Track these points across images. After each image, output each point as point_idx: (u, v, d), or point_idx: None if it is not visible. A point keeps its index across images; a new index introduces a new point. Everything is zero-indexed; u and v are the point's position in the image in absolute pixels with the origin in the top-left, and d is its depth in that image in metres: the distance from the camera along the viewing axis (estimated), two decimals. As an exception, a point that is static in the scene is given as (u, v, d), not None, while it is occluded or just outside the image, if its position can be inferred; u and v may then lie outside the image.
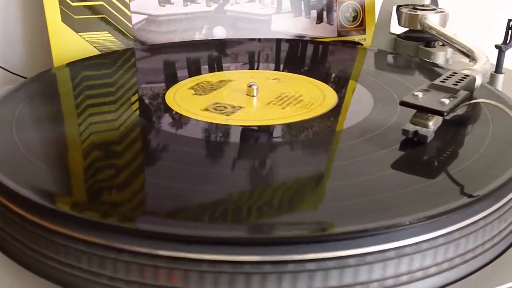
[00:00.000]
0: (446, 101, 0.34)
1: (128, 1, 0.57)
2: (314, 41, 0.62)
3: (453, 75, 0.39)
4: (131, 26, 0.58)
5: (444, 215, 0.27)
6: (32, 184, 0.30)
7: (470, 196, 0.29)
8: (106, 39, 0.57)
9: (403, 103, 0.35)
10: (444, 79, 0.38)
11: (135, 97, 0.45)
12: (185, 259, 0.25)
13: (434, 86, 0.37)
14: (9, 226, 0.30)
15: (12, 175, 0.31)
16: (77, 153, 0.35)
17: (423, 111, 0.34)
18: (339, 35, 0.66)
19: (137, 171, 0.33)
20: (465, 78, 0.38)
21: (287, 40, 0.61)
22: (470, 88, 0.38)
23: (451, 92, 0.36)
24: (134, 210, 0.29)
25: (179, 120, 0.39)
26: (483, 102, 0.37)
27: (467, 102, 0.36)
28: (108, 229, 0.27)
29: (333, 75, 0.51)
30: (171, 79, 0.48)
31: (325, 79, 0.48)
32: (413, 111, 0.35)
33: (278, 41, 0.60)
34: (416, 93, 0.35)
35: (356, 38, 0.67)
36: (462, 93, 0.36)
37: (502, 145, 0.35)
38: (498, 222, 0.30)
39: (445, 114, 0.34)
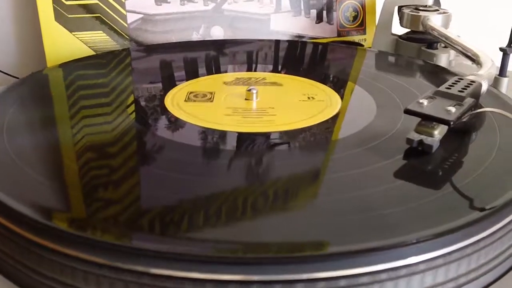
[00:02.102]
0: (453, 109, 0.33)
1: (123, 0, 0.56)
2: (314, 42, 0.61)
3: (459, 81, 0.37)
4: (126, 25, 0.56)
5: (451, 232, 0.26)
6: (24, 196, 0.29)
7: (479, 210, 0.28)
8: (101, 39, 0.56)
9: (408, 111, 0.34)
10: (450, 85, 0.37)
11: (130, 96, 0.43)
12: (187, 279, 0.24)
13: (439, 93, 0.35)
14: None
15: (4, 186, 0.29)
16: (72, 162, 0.34)
17: (428, 120, 0.33)
18: (339, 35, 0.65)
19: (136, 182, 0.31)
20: (471, 84, 0.37)
21: (287, 41, 0.60)
22: (476, 94, 0.37)
23: (457, 99, 0.35)
24: (131, 226, 0.27)
25: (178, 125, 0.38)
26: (491, 111, 0.35)
27: (475, 111, 0.35)
28: (106, 247, 0.25)
29: (336, 78, 0.50)
30: (168, 81, 0.47)
31: (328, 82, 0.47)
32: (417, 118, 0.34)
33: (277, 41, 0.59)
34: (421, 101, 0.34)
35: (356, 38, 0.66)
36: (469, 101, 0.35)
37: (509, 155, 0.34)
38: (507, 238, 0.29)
39: (452, 123, 0.32)
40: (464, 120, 0.35)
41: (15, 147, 0.34)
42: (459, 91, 0.36)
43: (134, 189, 0.31)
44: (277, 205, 0.29)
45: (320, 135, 0.37)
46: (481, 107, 0.38)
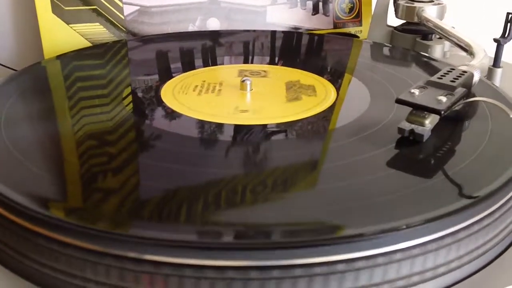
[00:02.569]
0: (444, 99, 0.34)
1: (120, -8, 0.56)
2: (310, 33, 0.61)
3: (451, 71, 0.38)
4: (123, 17, 0.57)
5: (441, 218, 0.27)
6: (21, 186, 0.29)
7: (468, 198, 0.28)
8: (98, 31, 0.56)
9: (400, 101, 0.34)
10: (442, 75, 0.37)
11: (127, 87, 0.44)
12: (184, 265, 0.25)
13: (431, 83, 0.36)
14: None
15: (1, 177, 0.30)
16: (69, 154, 0.35)
17: (419, 109, 0.34)
18: (335, 26, 0.66)
19: (134, 172, 0.32)
20: (463, 74, 0.38)
21: (283, 32, 0.60)
22: (468, 84, 0.38)
23: (449, 89, 0.35)
24: (128, 214, 0.28)
25: (174, 116, 0.39)
26: (482, 101, 0.36)
27: (466, 100, 0.35)
28: (104, 235, 0.26)
29: (332, 69, 0.50)
30: (165, 72, 0.47)
31: (324, 73, 0.47)
32: (410, 108, 0.34)
33: (273, 33, 0.59)
34: (412, 91, 0.35)
35: (352, 30, 0.66)
36: (460, 90, 0.35)
37: (501, 143, 0.34)
38: (499, 223, 0.29)
39: (443, 113, 0.33)
40: (457, 109, 0.35)
41: (13, 138, 0.35)
42: (451, 81, 0.36)
43: (132, 178, 0.31)
44: (275, 193, 0.30)
45: (316, 127, 0.38)
46: (474, 96, 0.39)
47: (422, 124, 0.34)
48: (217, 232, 0.26)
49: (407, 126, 0.34)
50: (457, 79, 0.37)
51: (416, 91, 0.35)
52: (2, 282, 0.28)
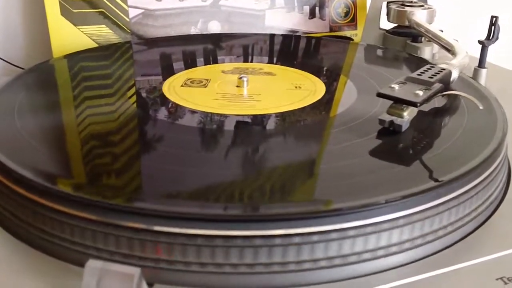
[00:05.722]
0: (420, 92, 0.36)
1: (125, -4, 0.60)
2: (306, 36, 0.64)
3: (430, 69, 0.41)
4: (128, 20, 0.60)
5: (411, 196, 0.30)
6: (32, 165, 0.33)
7: (435, 181, 0.31)
8: (104, 33, 0.59)
9: (380, 95, 0.37)
10: (421, 72, 0.40)
11: (130, 83, 0.47)
12: (177, 234, 0.28)
13: (410, 78, 0.39)
14: (10, 204, 0.32)
15: (15, 157, 0.33)
16: (74, 137, 0.38)
17: (398, 102, 0.36)
18: (331, 30, 0.68)
19: (131, 155, 0.35)
20: (441, 71, 0.40)
21: (281, 35, 0.63)
22: (446, 81, 0.40)
23: (426, 84, 0.38)
24: (123, 188, 0.31)
25: (169, 106, 0.42)
26: (455, 94, 0.39)
27: (440, 94, 0.38)
28: (103, 206, 0.29)
29: (324, 68, 0.53)
30: (167, 71, 0.50)
31: (316, 72, 0.50)
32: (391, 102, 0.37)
33: (272, 35, 0.62)
34: (393, 86, 0.37)
35: (347, 33, 0.69)
36: (437, 86, 0.38)
37: (472, 136, 0.37)
38: (463, 207, 0.32)
39: (418, 104, 0.36)
40: (437, 104, 0.38)
41: (25, 126, 0.38)
42: (429, 77, 0.39)
43: (128, 159, 0.34)
44: (277, 177, 0.33)
45: (306, 119, 0.40)
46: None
47: (401, 116, 0.36)
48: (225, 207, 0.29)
49: (387, 117, 0.37)
50: (435, 75, 0.39)
51: (396, 86, 0.37)
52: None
